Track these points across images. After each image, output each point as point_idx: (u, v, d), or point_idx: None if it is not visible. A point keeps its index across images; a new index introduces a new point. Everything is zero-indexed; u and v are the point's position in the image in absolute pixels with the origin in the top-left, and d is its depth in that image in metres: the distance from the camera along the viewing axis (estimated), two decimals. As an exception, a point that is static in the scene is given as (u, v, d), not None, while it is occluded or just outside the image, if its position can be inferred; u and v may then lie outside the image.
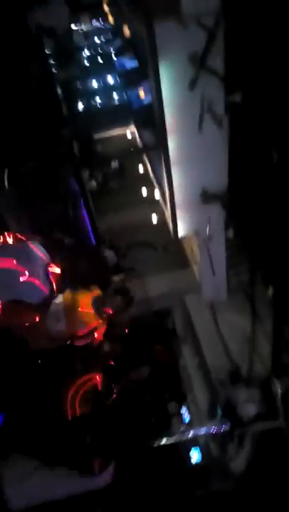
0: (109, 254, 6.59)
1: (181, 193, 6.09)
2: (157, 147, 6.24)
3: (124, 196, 9.02)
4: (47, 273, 2.46)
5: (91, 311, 2.96)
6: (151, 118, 5.77)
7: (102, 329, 3.04)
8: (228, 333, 7.05)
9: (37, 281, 2.36)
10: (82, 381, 2.91)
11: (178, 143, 5.79)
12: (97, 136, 8.59)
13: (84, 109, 7.43)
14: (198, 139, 5.50)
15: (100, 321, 3.00)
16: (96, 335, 2.90)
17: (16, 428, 2.66)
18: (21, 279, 2.31)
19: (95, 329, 2.92)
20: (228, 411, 5.99)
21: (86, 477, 2.62)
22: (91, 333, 2.87)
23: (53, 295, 2.46)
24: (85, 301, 2.98)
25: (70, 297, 3.01)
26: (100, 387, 2.92)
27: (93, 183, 8.37)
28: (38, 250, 2.59)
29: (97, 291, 3.17)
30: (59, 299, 3.02)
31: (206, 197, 5.86)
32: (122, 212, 8.68)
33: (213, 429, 6.17)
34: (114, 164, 9.33)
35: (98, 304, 2.99)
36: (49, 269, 2.53)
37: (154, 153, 7.73)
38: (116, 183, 9.05)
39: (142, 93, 5.94)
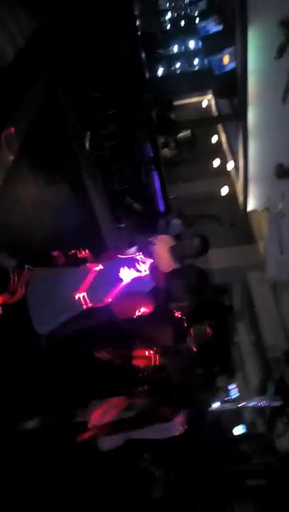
0: (175, 223, 6.66)
1: (255, 166, 5.95)
2: (236, 116, 6.08)
3: (195, 166, 8.93)
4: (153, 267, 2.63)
5: (168, 257, 3.08)
6: (232, 85, 5.61)
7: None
8: (288, 313, 6.92)
9: (147, 276, 2.55)
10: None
11: (258, 113, 5.60)
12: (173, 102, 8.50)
13: (164, 74, 7.33)
14: (280, 111, 5.25)
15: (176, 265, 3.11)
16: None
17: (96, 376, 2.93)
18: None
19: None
20: (281, 388, 5.98)
21: (163, 424, 2.86)
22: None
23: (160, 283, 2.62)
24: (162, 249, 3.09)
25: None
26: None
27: (166, 151, 8.38)
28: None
29: (170, 243, 3.28)
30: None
31: (282, 171, 5.64)
32: (192, 182, 8.63)
33: (263, 404, 6.23)
34: (187, 133, 9.22)
35: (176, 249, 3.11)
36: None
37: (230, 123, 7.54)
38: (188, 153, 8.96)
39: (226, 58, 5.75)
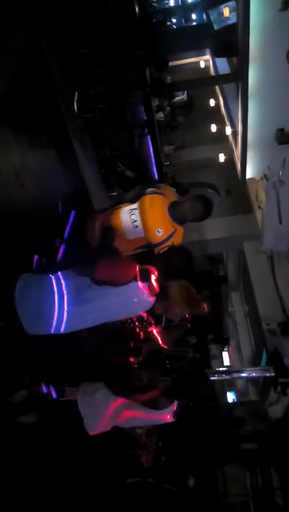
0: (170, 192, 6.38)
1: (254, 131, 5.64)
2: (235, 77, 5.71)
3: (191, 131, 8.56)
4: None
5: (167, 217, 2.83)
6: (232, 42, 5.21)
7: (180, 235, 2.90)
8: (283, 284, 6.81)
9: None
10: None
11: (259, 73, 5.24)
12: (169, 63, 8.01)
13: (159, 29, 6.80)
14: (284, 70, 4.90)
15: (177, 227, 2.87)
16: (173, 243, 2.83)
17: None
18: None
19: (172, 235, 2.81)
20: (274, 359, 5.96)
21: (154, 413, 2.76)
22: (168, 239, 2.79)
23: None
24: (160, 206, 2.83)
25: (146, 203, 2.86)
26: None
27: (160, 115, 7.98)
28: None
29: (171, 196, 2.98)
30: (135, 205, 2.89)
31: (283, 137, 5.36)
32: (188, 148, 8.29)
33: (256, 374, 6.25)
34: (183, 96, 8.78)
35: (174, 209, 2.85)
36: None
37: (228, 84, 7.12)
38: (183, 117, 8.56)
39: (226, 11, 5.30)
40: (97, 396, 2.67)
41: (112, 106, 4.94)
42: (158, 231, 2.80)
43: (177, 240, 2.87)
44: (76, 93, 4.44)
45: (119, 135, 5.43)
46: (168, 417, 2.83)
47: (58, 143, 3.90)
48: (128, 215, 2.88)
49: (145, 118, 5.38)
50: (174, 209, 2.86)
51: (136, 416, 2.78)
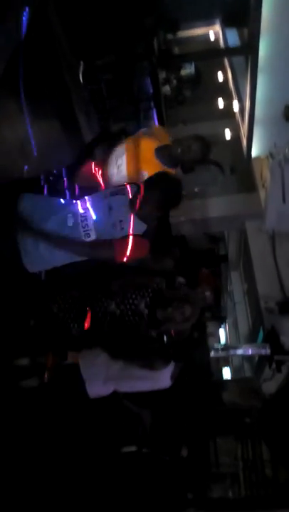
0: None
1: (262, 107, 5.53)
2: (245, 49, 5.54)
3: (198, 106, 8.37)
4: None
5: (153, 158, 2.56)
6: (243, 10, 5.02)
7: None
8: (284, 264, 6.85)
9: None
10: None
11: (271, 45, 5.08)
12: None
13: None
14: (296, 43, 4.77)
15: (167, 170, 2.56)
16: None
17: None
18: None
19: None
20: (271, 337, 6.07)
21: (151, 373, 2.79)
22: None
23: None
24: (148, 147, 2.58)
25: (133, 145, 2.61)
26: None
27: (167, 88, 7.78)
28: None
29: (165, 139, 2.72)
30: (122, 148, 2.67)
31: (291, 114, 5.28)
32: (193, 123, 8.13)
33: (252, 351, 6.38)
34: (191, 70, 8.53)
35: (165, 151, 2.58)
36: None
37: (238, 58, 6.92)
38: (190, 91, 8.34)
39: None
40: (98, 359, 2.73)
41: (119, 77, 4.82)
42: (143, 175, 2.54)
43: None
44: (82, 63, 4.33)
45: (125, 108, 5.31)
46: (166, 377, 2.85)
47: (63, 114, 3.84)
48: (114, 160, 2.66)
49: (151, 91, 5.25)
50: (165, 150, 2.59)
51: (134, 375, 2.80)
